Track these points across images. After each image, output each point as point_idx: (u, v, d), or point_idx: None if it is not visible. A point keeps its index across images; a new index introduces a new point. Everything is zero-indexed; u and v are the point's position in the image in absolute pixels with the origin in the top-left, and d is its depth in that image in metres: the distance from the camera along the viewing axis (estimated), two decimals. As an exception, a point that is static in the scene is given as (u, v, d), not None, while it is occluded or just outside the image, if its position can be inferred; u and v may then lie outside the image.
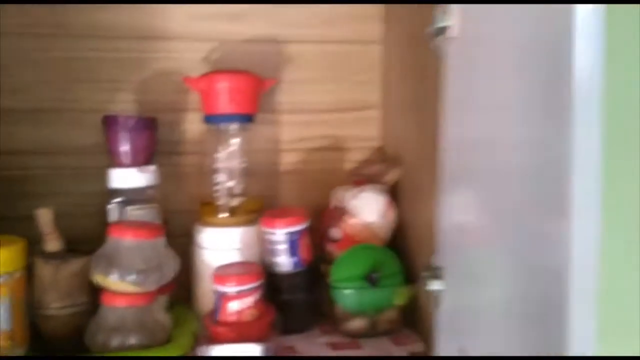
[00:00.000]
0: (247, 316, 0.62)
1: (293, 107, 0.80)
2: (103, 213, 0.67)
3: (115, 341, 0.59)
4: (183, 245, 0.72)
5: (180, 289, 0.71)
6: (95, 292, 0.62)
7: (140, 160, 0.68)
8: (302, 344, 0.65)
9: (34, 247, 0.61)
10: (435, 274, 0.59)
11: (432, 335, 0.60)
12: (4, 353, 0.56)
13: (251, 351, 0.58)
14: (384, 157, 0.82)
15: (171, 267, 0.63)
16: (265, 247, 0.69)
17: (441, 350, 0.57)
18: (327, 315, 0.70)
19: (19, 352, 0.58)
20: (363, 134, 0.82)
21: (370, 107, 0.82)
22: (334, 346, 0.65)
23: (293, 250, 0.68)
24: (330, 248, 0.74)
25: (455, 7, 0.54)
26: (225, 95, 0.68)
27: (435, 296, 0.59)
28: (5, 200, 0.71)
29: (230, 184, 0.72)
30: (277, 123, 0.80)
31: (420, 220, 0.68)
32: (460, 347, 0.51)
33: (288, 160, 0.81)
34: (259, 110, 0.74)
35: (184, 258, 0.71)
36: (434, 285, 0.59)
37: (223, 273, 0.63)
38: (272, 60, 0.79)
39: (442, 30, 0.56)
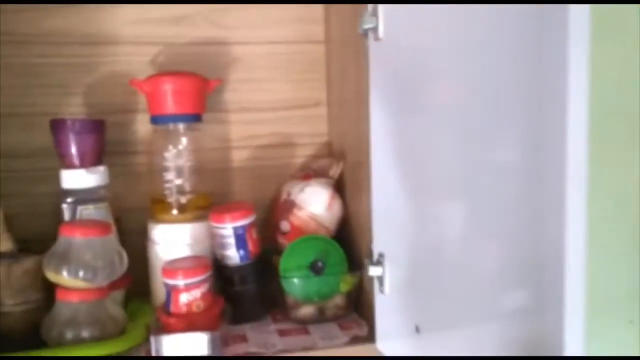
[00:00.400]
0: (197, 307, 0.65)
1: (242, 106, 0.83)
2: (57, 213, 0.69)
3: (69, 335, 0.61)
4: (138, 242, 0.74)
5: (138, 284, 0.74)
6: (50, 289, 0.64)
7: (90, 161, 0.70)
8: (253, 332, 0.68)
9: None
10: (375, 260, 0.63)
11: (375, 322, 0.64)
12: (-41, 350, 0.58)
13: (198, 340, 0.61)
14: (330, 152, 0.85)
15: (121, 263, 0.66)
16: (215, 241, 0.72)
17: (391, 330, 0.60)
18: (280, 304, 0.73)
19: (-26, 349, 0.60)
20: (311, 130, 0.86)
21: (317, 104, 0.85)
22: (283, 333, 0.68)
23: (241, 243, 0.71)
24: (281, 240, 0.77)
25: (381, 8, 0.58)
26: (171, 96, 0.71)
27: (376, 281, 0.63)
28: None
29: (180, 181, 0.75)
30: (227, 122, 0.83)
31: (363, 210, 0.72)
32: (417, 325, 0.54)
33: (239, 157, 0.84)
34: (206, 110, 0.76)
35: (139, 254, 0.73)
36: (375, 271, 0.62)
37: (172, 267, 0.66)
38: (218, 61, 0.81)
39: (368, 31, 0.59)
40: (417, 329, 0.53)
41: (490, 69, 0.40)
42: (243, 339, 0.66)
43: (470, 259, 0.44)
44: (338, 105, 0.81)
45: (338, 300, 0.71)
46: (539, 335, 0.36)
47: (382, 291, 0.61)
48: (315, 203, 0.75)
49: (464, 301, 0.46)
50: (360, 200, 0.72)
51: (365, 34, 0.60)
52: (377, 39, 0.59)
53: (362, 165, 0.68)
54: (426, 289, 0.53)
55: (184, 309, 0.65)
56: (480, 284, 0.43)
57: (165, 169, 0.75)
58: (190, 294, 0.65)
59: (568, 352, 0.34)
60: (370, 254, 0.64)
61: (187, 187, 0.75)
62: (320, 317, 0.70)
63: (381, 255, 0.62)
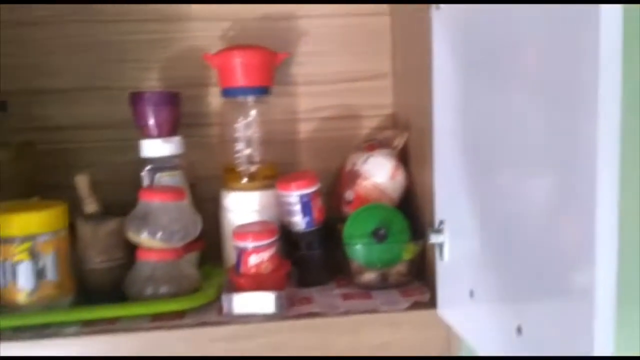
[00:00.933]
0: (265, 269, 0.68)
1: (308, 79, 0.85)
2: (135, 181, 0.74)
3: (148, 290, 0.66)
4: (211, 209, 0.78)
5: (211, 249, 0.78)
6: (131, 249, 0.69)
7: (166, 131, 0.75)
8: (317, 294, 0.71)
9: (75, 211, 0.70)
10: (436, 227, 0.64)
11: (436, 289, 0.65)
12: (53, 301, 0.65)
13: (266, 298, 0.64)
14: (395, 123, 0.86)
15: (195, 226, 0.70)
16: (282, 209, 0.75)
17: (450, 296, 0.62)
18: (344, 270, 0.75)
19: (66, 300, 0.66)
20: (376, 102, 0.87)
21: (381, 76, 0.86)
22: (346, 296, 0.70)
23: (306, 210, 0.73)
24: (345, 209, 0.79)
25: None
26: (240, 70, 0.74)
27: (437, 248, 0.64)
28: (48, 172, 0.79)
29: (249, 151, 0.78)
30: (294, 94, 0.85)
31: (426, 181, 0.72)
32: (471, 290, 0.55)
33: (305, 129, 0.86)
34: (274, 82, 0.79)
35: (212, 220, 0.78)
36: (436, 238, 0.63)
37: (242, 231, 0.70)
38: (286, 35, 0.84)
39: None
40: (471, 294, 0.54)
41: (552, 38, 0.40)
42: (308, 300, 0.69)
43: (531, 232, 0.44)
44: (402, 77, 0.82)
45: (401, 267, 0.73)
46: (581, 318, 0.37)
47: (442, 258, 0.62)
48: (379, 173, 0.77)
49: (516, 271, 0.46)
50: (423, 171, 0.73)
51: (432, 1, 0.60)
52: (439, 8, 0.59)
53: (425, 135, 0.69)
54: (482, 256, 0.54)
55: (252, 270, 0.68)
56: (534, 257, 0.44)
57: (236, 140, 0.78)
58: (258, 256, 0.68)
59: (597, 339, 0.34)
60: (432, 222, 0.65)
61: (256, 157, 0.79)
62: (383, 283, 0.72)
63: (442, 223, 0.63)
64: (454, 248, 0.61)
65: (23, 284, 0.64)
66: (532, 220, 0.44)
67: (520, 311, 0.46)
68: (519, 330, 0.45)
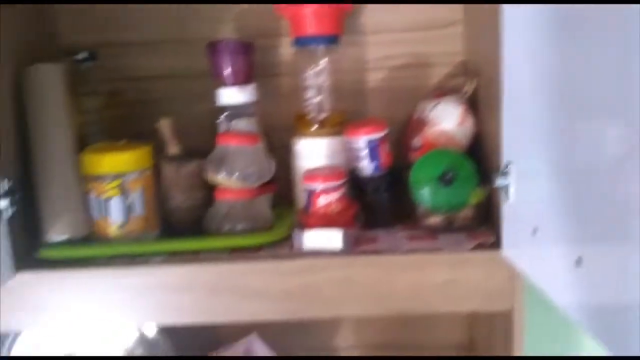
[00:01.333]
0: (333, 209, 0.72)
1: (377, 28, 0.86)
2: (213, 128, 0.79)
3: (226, 226, 0.72)
4: (283, 156, 0.82)
5: (282, 193, 0.82)
6: (209, 189, 0.75)
7: (241, 80, 0.78)
8: (383, 235, 0.74)
9: (159, 155, 0.75)
10: (503, 170, 0.64)
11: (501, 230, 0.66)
12: (140, 234, 0.71)
13: (334, 235, 0.68)
14: (465, 72, 0.86)
15: (269, 169, 0.75)
16: (350, 154, 0.78)
17: (514, 235, 0.63)
18: (409, 215, 0.77)
19: (152, 234, 0.73)
20: (446, 50, 0.87)
21: (452, 24, 0.86)
22: (411, 237, 0.73)
23: (373, 155, 0.76)
24: (413, 156, 0.81)
25: None
26: (310, 19, 0.77)
27: (503, 190, 0.64)
28: (133, 120, 0.85)
29: (319, 99, 0.81)
30: (364, 43, 0.87)
31: (495, 127, 0.72)
32: (534, 227, 0.56)
33: (374, 78, 0.87)
34: (344, 32, 0.81)
35: (283, 167, 0.82)
36: (502, 181, 0.64)
37: (312, 174, 0.73)
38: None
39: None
40: (534, 231, 0.55)
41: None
42: (374, 240, 0.72)
43: (597, 178, 0.45)
44: (473, 24, 0.81)
45: (467, 212, 0.74)
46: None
47: (507, 199, 0.63)
48: (447, 119, 0.77)
49: (579, 211, 0.47)
50: (492, 117, 0.73)
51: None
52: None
53: (495, 82, 0.69)
54: (547, 196, 0.54)
55: (321, 211, 0.72)
56: (599, 201, 0.44)
57: (306, 88, 0.81)
58: (327, 197, 0.71)
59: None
60: (499, 167, 0.65)
61: (326, 105, 0.81)
62: (449, 227, 0.74)
63: (509, 165, 0.63)
64: (520, 189, 0.61)
65: (114, 218, 0.70)
66: (599, 167, 0.44)
67: (581, 245, 0.46)
68: (579, 262, 0.46)
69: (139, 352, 0.84)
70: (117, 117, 0.81)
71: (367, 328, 0.96)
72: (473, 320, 0.93)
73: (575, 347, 1.00)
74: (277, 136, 0.84)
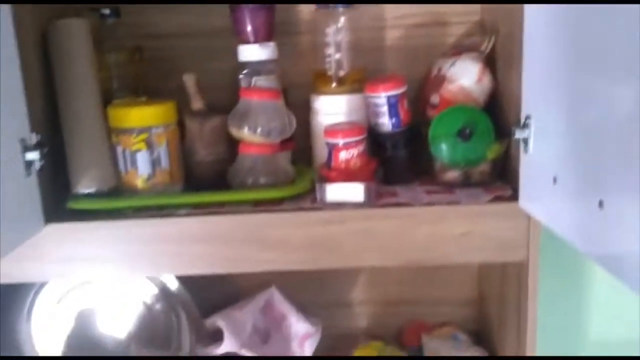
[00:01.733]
0: (354, 164, 0.73)
1: (396, -14, 0.86)
2: (234, 85, 0.80)
3: (249, 180, 0.73)
4: (301, 114, 0.83)
5: (301, 151, 0.84)
6: (231, 145, 0.76)
7: (262, 37, 0.79)
8: (402, 190, 0.76)
9: (183, 110, 0.77)
10: (522, 122, 0.66)
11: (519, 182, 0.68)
12: (166, 187, 0.73)
13: (356, 188, 0.70)
14: (483, 30, 0.86)
15: (290, 124, 0.76)
16: (370, 111, 0.79)
17: (533, 186, 0.64)
18: (427, 172, 0.79)
19: (177, 188, 0.75)
20: (464, 8, 0.87)
21: (470, -18, 0.86)
22: (430, 191, 0.74)
23: (393, 111, 0.77)
24: (431, 113, 0.82)
25: None
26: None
27: (522, 142, 0.66)
28: (157, 77, 0.86)
29: (338, 57, 0.82)
30: (381, 2, 0.87)
31: (513, 84, 0.73)
32: (554, 176, 0.58)
33: (392, 36, 0.88)
34: (363, -10, 0.81)
35: (302, 125, 0.83)
36: (521, 133, 0.65)
37: (333, 129, 0.75)
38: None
39: None
40: (555, 180, 0.57)
41: None
42: (393, 194, 0.74)
43: (615, 133, 0.46)
44: (492, -19, 0.82)
45: (484, 167, 0.75)
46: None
47: (526, 151, 0.64)
48: (465, 76, 0.78)
49: (599, 158, 0.49)
50: (510, 74, 0.74)
51: None
52: None
53: (514, 38, 0.70)
54: (567, 147, 0.55)
55: (342, 165, 0.73)
56: (618, 152, 0.46)
57: (326, 45, 0.82)
58: (348, 152, 0.73)
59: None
60: (517, 123, 0.67)
61: (345, 62, 0.82)
62: (466, 182, 0.76)
63: (528, 118, 0.64)
64: (539, 141, 0.63)
65: (141, 171, 0.72)
66: (616, 120, 0.46)
67: (602, 191, 0.48)
68: (600, 205, 0.47)
69: (159, 307, 0.86)
70: (139, 74, 0.82)
71: (379, 285, 0.99)
72: (483, 275, 0.96)
73: (587, 293, 1.02)
74: (295, 94, 0.85)
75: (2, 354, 0.86)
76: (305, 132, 0.84)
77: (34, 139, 0.65)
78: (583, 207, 0.51)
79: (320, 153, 0.81)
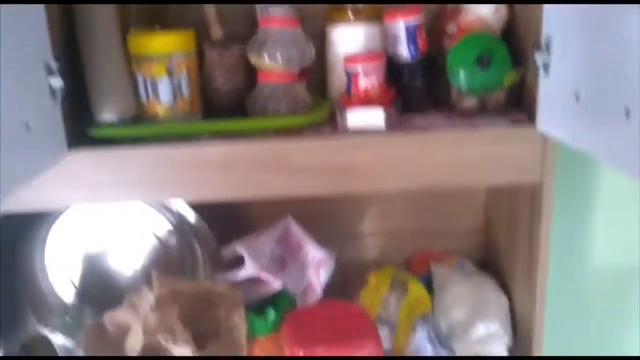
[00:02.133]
0: (373, 93, 0.74)
1: None
2: (251, 15, 0.80)
3: (270, 107, 0.74)
4: (318, 45, 0.83)
5: (315, 83, 0.84)
6: (249, 75, 0.76)
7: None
8: (420, 118, 0.77)
9: (202, 42, 0.77)
10: (543, 46, 0.66)
11: (535, 109, 0.69)
12: (187, 115, 0.74)
13: (376, 114, 0.71)
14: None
15: (310, 52, 0.76)
16: (388, 40, 0.79)
17: (553, 108, 0.66)
18: (444, 101, 0.80)
19: (197, 116, 0.75)
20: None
21: None
22: (448, 117, 0.76)
23: (411, 39, 0.77)
24: (447, 43, 0.82)
25: None
26: None
27: (542, 67, 0.66)
28: (177, 8, 0.85)
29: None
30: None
31: (529, 14, 0.74)
32: (576, 93, 0.59)
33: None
34: None
35: (317, 56, 0.83)
36: (541, 58, 0.66)
37: (352, 57, 0.75)
38: None
39: None
40: (577, 97, 0.58)
41: None
42: (410, 123, 0.75)
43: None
44: None
45: (499, 94, 0.77)
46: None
47: (547, 74, 0.65)
48: (483, 6, 0.79)
49: (620, 72, 0.49)
50: (526, 5, 0.74)
51: None
52: None
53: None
54: (588, 65, 0.56)
55: (362, 93, 0.74)
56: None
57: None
58: (367, 79, 0.74)
59: None
60: (538, 43, 0.67)
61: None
62: (482, 109, 0.77)
63: (549, 40, 0.65)
64: (558, 62, 0.63)
65: (163, 99, 0.72)
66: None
67: (628, 95, 0.49)
68: (627, 112, 0.49)
69: (173, 240, 0.88)
70: (156, 7, 0.81)
71: (387, 216, 1.01)
72: (491, 203, 0.98)
73: (590, 218, 1.05)
74: (309, 25, 0.85)
75: (17, 284, 0.88)
76: (318, 65, 0.84)
77: (57, 65, 0.65)
78: (609, 118, 0.52)
79: (336, 85, 0.82)
